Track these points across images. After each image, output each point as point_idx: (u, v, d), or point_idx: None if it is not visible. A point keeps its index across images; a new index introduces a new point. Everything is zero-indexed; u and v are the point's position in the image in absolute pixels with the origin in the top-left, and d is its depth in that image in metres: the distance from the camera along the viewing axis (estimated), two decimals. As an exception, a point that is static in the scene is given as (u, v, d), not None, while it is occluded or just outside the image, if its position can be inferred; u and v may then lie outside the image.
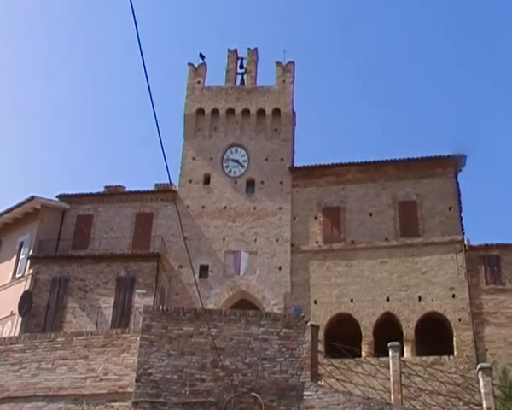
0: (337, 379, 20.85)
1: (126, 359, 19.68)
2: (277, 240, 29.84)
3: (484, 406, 18.45)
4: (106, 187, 32.88)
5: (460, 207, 29.63)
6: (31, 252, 29.82)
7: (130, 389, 18.48)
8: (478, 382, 19.33)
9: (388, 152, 57.66)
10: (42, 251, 29.92)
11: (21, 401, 19.68)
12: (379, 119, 72.91)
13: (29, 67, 77.15)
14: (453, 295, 27.31)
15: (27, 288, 28.60)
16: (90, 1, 71.31)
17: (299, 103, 41.69)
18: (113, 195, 32.35)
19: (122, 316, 27.07)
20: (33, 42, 77.20)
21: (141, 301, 25.50)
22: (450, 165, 30.34)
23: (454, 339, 26.61)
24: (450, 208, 29.42)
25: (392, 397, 19.54)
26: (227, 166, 32.29)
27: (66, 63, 76.43)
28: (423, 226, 29.15)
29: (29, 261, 29.52)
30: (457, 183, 30.16)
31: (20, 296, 28.07)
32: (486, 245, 28.01)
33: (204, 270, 29.48)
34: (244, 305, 26.95)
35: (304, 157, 37.90)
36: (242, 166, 32.15)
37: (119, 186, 32.88)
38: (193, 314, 19.01)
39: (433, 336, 26.55)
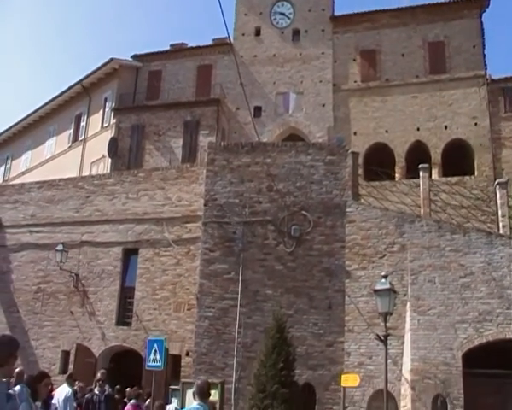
0: (375, 198, 20.31)
1: (195, 188, 19.57)
2: (321, 81, 28.23)
3: (499, 213, 18.04)
4: (171, 45, 31.58)
5: (483, 45, 27.23)
6: (113, 105, 29.53)
7: (199, 213, 18.32)
8: (495, 195, 18.71)
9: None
10: (122, 104, 29.59)
11: (117, 223, 20.38)
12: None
13: None
14: (475, 124, 25.72)
15: (113, 135, 28.56)
16: None
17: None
18: (178, 51, 31.00)
19: (190, 153, 26.68)
20: None
21: (205, 140, 24.95)
22: (475, 7, 27.50)
23: (475, 161, 25.32)
24: (474, 46, 26.97)
25: (421, 211, 19.02)
26: (275, 19, 30.13)
27: None
28: (450, 64, 26.98)
29: (112, 113, 29.26)
30: (481, 23, 27.43)
31: (108, 142, 28.10)
32: (506, 78, 25.79)
33: (258, 110, 28.39)
34: (293, 138, 25.93)
35: (343, 6, 35.59)
36: (288, 18, 29.95)
37: (182, 43, 31.43)
38: (250, 147, 18.23)
39: (457, 159, 25.22)
